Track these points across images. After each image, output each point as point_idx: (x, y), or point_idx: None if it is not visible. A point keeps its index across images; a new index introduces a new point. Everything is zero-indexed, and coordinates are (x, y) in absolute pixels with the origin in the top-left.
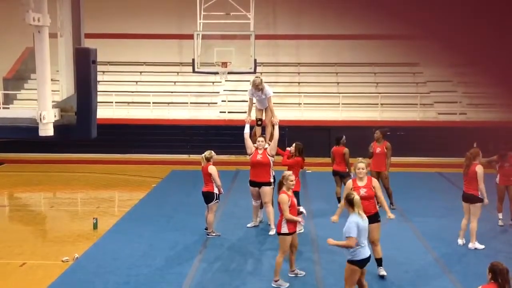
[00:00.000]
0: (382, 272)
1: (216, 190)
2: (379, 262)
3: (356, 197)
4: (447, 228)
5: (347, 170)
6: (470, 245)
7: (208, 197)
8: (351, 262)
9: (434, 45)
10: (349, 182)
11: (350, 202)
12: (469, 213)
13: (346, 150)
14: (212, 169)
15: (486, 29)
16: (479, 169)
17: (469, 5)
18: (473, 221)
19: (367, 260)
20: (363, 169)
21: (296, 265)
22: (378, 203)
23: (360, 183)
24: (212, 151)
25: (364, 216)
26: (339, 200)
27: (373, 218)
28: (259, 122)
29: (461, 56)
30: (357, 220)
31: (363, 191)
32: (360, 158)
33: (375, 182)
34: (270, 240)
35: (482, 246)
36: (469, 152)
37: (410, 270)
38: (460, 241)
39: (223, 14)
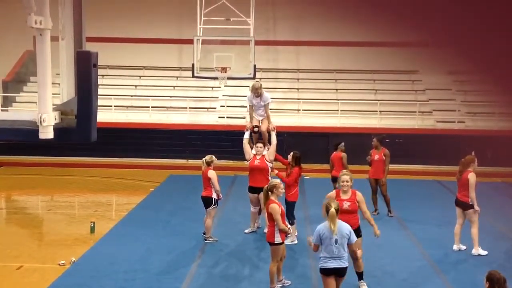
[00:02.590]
0: (363, 286)
1: (214, 195)
2: (360, 275)
3: (332, 210)
4: (445, 235)
5: None
6: (474, 251)
7: (207, 202)
8: (319, 268)
9: (442, 52)
10: (332, 194)
11: (326, 212)
12: (462, 218)
13: (343, 154)
14: (212, 174)
15: (497, 38)
16: (472, 177)
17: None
18: (474, 228)
19: (329, 270)
20: (347, 181)
21: (283, 273)
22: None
23: (344, 196)
24: (213, 156)
25: (338, 229)
26: None
27: (356, 233)
28: (256, 129)
29: (472, 63)
30: (323, 230)
31: (346, 205)
32: (344, 170)
33: (359, 196)
34: (267, 246)
35: (485, 252)
36: (464, 158)
37: (408, 278)
38: (456, 247)
39: (223, 20)
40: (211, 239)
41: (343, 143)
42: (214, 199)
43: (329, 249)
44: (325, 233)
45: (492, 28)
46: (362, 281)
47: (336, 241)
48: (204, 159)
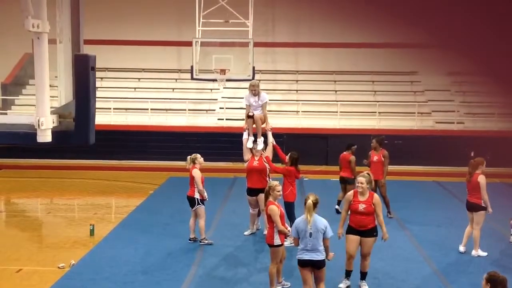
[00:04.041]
0: (364, 286)
1: (197, 195)
2: (362, 275)
3: (309, 201)
4: (444, 237)
5: (353, 177)
6: (473, 253)
7: (191, 201)
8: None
9: (442, 53)
10: (350, 194)
11: (304, 204)
12: (473, 221)
13: (352, 157)
14: (195, 173)
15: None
16: (482, 179)
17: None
18: (476, 229)
19: (303, 262)
20: (362, 183)
21: (282, 275)
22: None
23: (361, 198)
24: (198, 154)
25: (313, 222)
26: (338, 203)
27: (369, 232)
28: (251, 114)
29: (472, 64)
30: (299, 223)
31: (361, 207)
32: (365, 172)
33: (376, 199)
34: (267, 248)
35: (485, 254)
36: (473, 160)
37: (407, 279)
38: (462, 248)
39: (222, 22)
40: (206, 241)
41: (355, 146)
42: (197, 199)
43: (304, 242)
44: (300, 226)
45: (492, 28)
46: (363, 281)
47: (310, 235)
48: (189, 157)
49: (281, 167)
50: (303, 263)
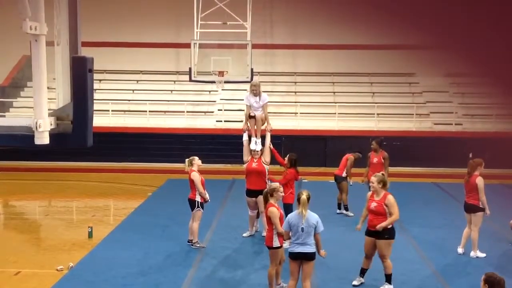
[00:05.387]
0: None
1: (198, 198)
2: (386, 278)
3: (303, 197)
4: (443, 238)
5: (345, 175)
6: (472, 254)
7: (191, 204)
8: (288, 252)
9: (440, 54)
10: (369, 193)
11: (298, 200)
12: (471, 222)
13: (351, 157)
14: (194, 176)
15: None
16: (480, 181)
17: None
18: (474, 230)
19: (295, 255)
20: (372, 183)
21: (281, 277)
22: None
23: (376, 197)
24: (196, 157)
25: (306, 217)
26: (339, 206)
27: (380, 234)
28: (252, 115)
29: (471, 65)
30: (292, 218)
31: (373, 205)
32: (379, 173)
33: (388, 200)
34: (266, 250)
35: (484, 255)
36: (472, 161)
37: (407, 281)
38: (460, 250)
39: (220, 23)
40: (198, 245)
41: (360, 155)
42: (198, 201)
43: (297, 236)
44: (293, 221)
45: (492, 28)
46: (386, 283)
47: (302, 229)
48: (187, 159)
49: (285, 177)
50: (294, 256)
